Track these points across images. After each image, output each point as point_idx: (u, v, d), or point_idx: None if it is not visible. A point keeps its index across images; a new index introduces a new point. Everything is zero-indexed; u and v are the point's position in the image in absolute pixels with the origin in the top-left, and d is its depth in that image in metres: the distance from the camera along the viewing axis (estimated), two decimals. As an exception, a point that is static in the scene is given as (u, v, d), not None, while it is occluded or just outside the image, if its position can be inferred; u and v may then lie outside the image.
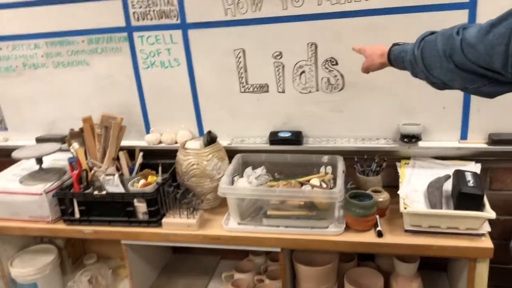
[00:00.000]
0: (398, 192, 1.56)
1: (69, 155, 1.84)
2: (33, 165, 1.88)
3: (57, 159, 1.95)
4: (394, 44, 1.27)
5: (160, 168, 1.76)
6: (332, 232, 1.54)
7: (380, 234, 1.50)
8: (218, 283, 1.95)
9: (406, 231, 1.50)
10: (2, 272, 1.91)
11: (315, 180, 1.64)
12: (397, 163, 1.72)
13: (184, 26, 1.76)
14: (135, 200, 1.66)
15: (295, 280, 1.72)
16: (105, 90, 1.94)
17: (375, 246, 1.49)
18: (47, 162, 1.89)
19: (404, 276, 1.65)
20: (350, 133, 1.75)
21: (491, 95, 1.05)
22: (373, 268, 1.74)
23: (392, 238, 1.50)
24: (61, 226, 1.75)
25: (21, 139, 2.10)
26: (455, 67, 1.02)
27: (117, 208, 1.68)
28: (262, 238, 1.57)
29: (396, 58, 1.24)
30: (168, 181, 1.72)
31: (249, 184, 1.64)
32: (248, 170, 1.71)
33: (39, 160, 1.82)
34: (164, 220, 1.66)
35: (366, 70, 1.39)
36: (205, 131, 1.86)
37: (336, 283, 1.70)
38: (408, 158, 1.73)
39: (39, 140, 2.03)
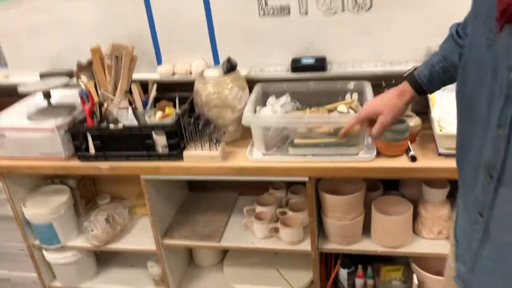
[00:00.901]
0: (432, 115, 1.49)
1: (77, 91, 1.74)
2: (40, 102, 1.77)
3: (64, 95, 1.85)
4: (409, 75, 1.12)
5: (177, 100, 1.67)
6: (363, 159, 1.48)
7: (413, 159, 1.44)
8: (238, 218, 1.91)
9: (440, 154, 1.45)
10: (15, 213, 1.84)
11: (342, 107, 1.58)
12: (427, 88, 1.64)
13: None
14: (153, 133, 1.58)
15: (320, 211, 1.68)
16: (112, 19, 1.81)
17: (409, 170, 1.44)
18: (54, 99, 1.78)
19: (433, 202, 1.61)
20: (378, 57, 1.66)
21: None
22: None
23: (426, 162, 1.45)
24: (76, 163, 1.68)
25: (23, 76, 1.96)
26: None
27: (135, 142, 1.60)
28: (289, 167, 1.52)
29: (427, 75, 1.08)
30: (187, 112, 1.63)
31: (275, 112, 1.56)
32: (271, 99, 1.63)
33: (47, 95, 1.72)
34: (185, 153, 1.59)
35: (383, 130, 1.15)
36: (221, 60, 1.76)
37: (363, 212, 1.67)
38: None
39: (43, 75, 1.91)
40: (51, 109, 1.72)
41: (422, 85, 1.09)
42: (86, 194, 2.07)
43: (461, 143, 0.87)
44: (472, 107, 0.78)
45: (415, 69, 1.11)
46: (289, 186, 1.90)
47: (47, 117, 1.68)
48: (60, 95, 1.84)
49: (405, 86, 1.12)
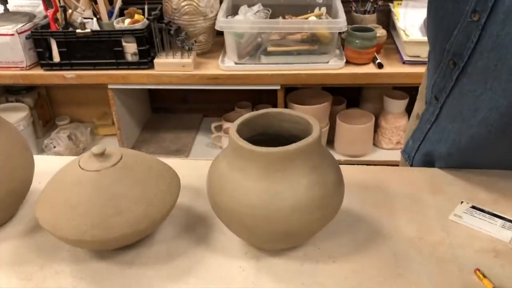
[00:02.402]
0: (398, 24, 1.57)
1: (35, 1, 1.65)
2: (-6, 10, 1.67)
3: (20, 4, 1.74)
4: None
5: (146, 7, 1.63)
6: (333, 66, 1.54)
7: (380, 65, 1.52)
8: (205, 137, 1.93)
9: (405, 62, 1.54)
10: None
11: (312, 18, 1.61)
12: (390, 4, 1.72)
13: None
14: (122, 40, 1.55)
15: (288, 123, 1.73)
16: None
17: (375, 76, 1.52)
18: (10, 7, 1.68)
19: (393, 114, 1.72)
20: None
21: None
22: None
23: (391, 68, 1.53)
24: (39, 72, 1.61)
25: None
26: None
27: (103, 49, 1.56)
28: (262, 75, 1.55)
29: None
30: (157, 20, 1.60)
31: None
32: (244, 7, 1.63)
33: (3, 0, 1.61)
34: (156, 60, 1.57)
35: None
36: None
37: (328, 124, 1.74)
38: (401, -1, 1.73)
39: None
40: (9, 15, 1.62)
41: None
42: (44, 116, 1.99)
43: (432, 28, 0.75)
44: None
45: None
46: (254, 106, 1.94)
47: (5, 22, 1.58)
48: (16, 4, 1.73)
49: None
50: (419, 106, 0.87)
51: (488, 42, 0.60)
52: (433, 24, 0.70)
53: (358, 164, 0.78)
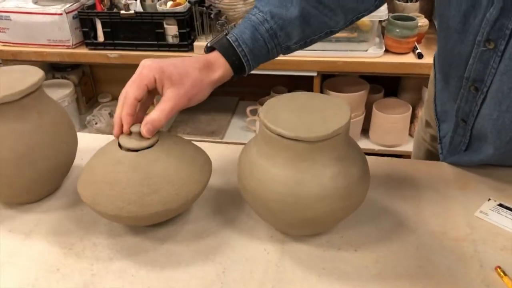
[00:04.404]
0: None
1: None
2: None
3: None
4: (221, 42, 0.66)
5: (188, -10, 1.65)
6: (372, 54, 1.53)
7: (420, 55, 1.50)
8: (239, 119, 1.96)
9: (446, 53, 1.51)
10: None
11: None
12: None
13: None
14: (164, 22, 1.58)
15: (323, 110, 1.74)
16: None
17: (414, 66, 1.50)
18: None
19: (431, 105, 1.69)
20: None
21: None
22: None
23: (432, 59, 1.50)
24: (83, 50, 1.67)
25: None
26: None
27: (145, 31, 1.60)
28: (299, 61, 1.56)
29: (250, 43, 0.66)
30: (198, 3, 1.63)
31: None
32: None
33: (53, -19, 1.68)
34: (196, 43, 1.60)
35: (162, 120, 0.60)
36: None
37: (364, 113, 1.74)
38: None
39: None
40: (57, -5, 1.69)
41: (242, 56, 0.66)
42: (87, 93, 2.07)
43: (443, 56, 0.73)
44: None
45: (226, 34, 0.67)
46: (289, 91, 1.94)
47: (53, 2, 1.64)
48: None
49: (215, 56, 0.66)
50: (427, 113, 0.88)
51: (505, 67, 0.60)
52: (444, 53, 0.70)
53: (392, 154, 0.79)
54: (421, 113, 0.90)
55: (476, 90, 0.66)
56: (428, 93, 0.88)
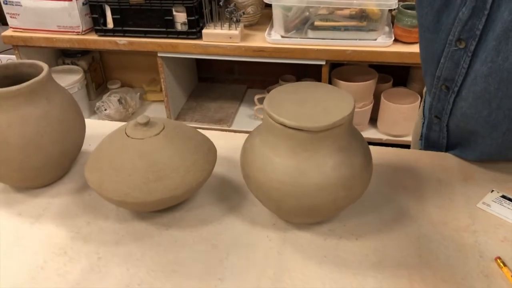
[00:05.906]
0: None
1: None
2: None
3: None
4: None
5: (197, -22, 1.65)
6: (381, 44, 1.52)
7: (430, 45, 1.49)
8: (247, 107, 1.96)
9: (456, 43, 1.50)
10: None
11: (363, -6, 1.58)
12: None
13: None
14: (173, 9, 1.58)
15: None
16: None
17: (424, 56, 1.49)
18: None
19: (440, 95, 1.68)
20: None
21: None
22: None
23: (441, 49, 1.49)
24: (93, 37, 1.68)
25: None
26: None
27: (154, 18, 1.61)
28: (307, 49, 1.55)
29: None
30: (208, -9, 1.63)
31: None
32: (293, -20, 1.63)
33: (63, -34, 1.68)
34: (204, 31, 1.60)
35: None
36: None
37: (372, 102, 1.73)
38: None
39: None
40: (67, -19, 1.69)
41: None
42: (96, 79, 2.09)
43: (420, 54, 0.74)
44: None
45: None
46: (298, 80, 1.94)
47: (64, -12, 1.65)
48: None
49: None
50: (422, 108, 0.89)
51: (481, 68, 0.61)
52: (421, 51, 0.72)
53: (400, 144, 0.80)
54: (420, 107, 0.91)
55: (447, 89, 0.67)
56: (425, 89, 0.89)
